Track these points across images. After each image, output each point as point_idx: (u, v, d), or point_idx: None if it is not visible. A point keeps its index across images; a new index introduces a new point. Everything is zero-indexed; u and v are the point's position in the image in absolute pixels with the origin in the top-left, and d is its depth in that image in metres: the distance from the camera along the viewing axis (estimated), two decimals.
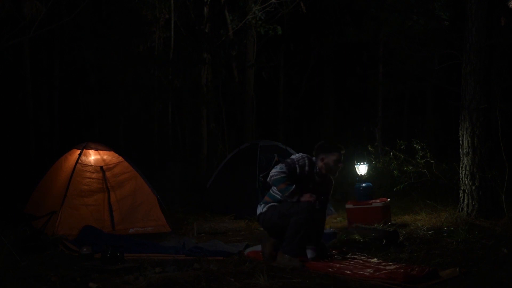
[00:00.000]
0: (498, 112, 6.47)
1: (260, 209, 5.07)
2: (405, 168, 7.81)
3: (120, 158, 7.08)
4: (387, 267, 4.48)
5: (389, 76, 15.17)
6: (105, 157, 7.03)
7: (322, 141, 5.20)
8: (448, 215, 6.70)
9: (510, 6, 6.75)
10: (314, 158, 5.07)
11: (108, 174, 6.86)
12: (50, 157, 11.14)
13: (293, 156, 5.08)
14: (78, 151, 6.95)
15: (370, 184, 7.12)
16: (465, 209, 6.54)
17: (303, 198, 4.83)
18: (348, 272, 4.39)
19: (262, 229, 7.08)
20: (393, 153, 7.99)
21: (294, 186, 4.84)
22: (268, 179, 4.97)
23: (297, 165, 4.93)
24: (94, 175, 6.80)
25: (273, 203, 4.99)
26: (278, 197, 4.96)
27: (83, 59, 12.53)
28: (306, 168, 4.96)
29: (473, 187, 6.48)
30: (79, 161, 6.81)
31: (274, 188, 5.01)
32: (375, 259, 4.86)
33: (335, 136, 16.28)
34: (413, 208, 7.93)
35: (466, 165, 6.58)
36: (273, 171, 4.89)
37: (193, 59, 12.43)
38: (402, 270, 4.26)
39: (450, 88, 9.94)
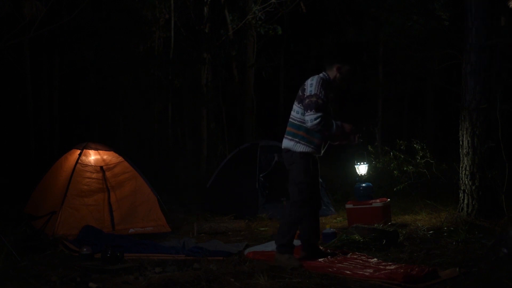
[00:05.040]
0: (498, 112, 6.46)
1: (292, 144, 4.83)
2: (405, 168, 7.81)
3: (120, 158, 7.08)
4: (387, 267, 4.48)
5: (389, 76, 15.17)
6: (105, 157, 7.02)
7: (335, 45, 5.03)
8: (448, 215, 6.70)
9: (510, 6, 6.75)
10: (324, 73, 4.88)
11: (108, 174, 6.86)
12: (50, 157, 11.16)
13: (310, 89, 4.73)
14: (78, 151, 6.95)
15: (370, 184, 7.11)
16: (465, 209, 6.54)
17: (347, 130, 4.83)
18: (348, 272, 4.40)
19: (262, 229, 7.10)
20: (393, 153, 7.99)
21: (334, 125, 4.75)
22: (309, 127, 4.72)
23: (325, 99, 4.71)
24: (94, 175, 6.80)
25: (307, 148, 4.79)
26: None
27: (83, 59, 12.53)
28: (327, 92, 4.78)
29: (473, 187, 6.48)
30: (79, 161, 6.80)
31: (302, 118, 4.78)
32: (375, 259, 4.86)
33: None
34: (413, 208, 7.93)
35: (466, 165, 6.57)
36: (311, 124, 4.64)
37: (193, 59, 12.43)
38: (402, 270, 4.27)
39: (450, 88, 9.95)
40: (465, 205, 6.56)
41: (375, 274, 4.27)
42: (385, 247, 5.29)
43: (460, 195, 6.67)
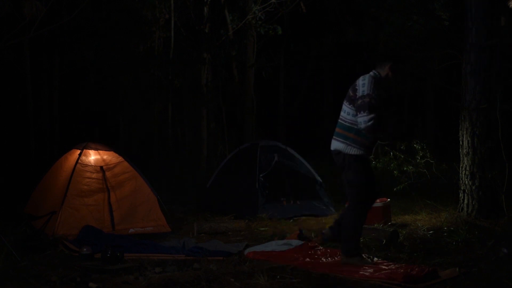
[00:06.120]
0: (498, 112, 6.47)
1: (344, 147, 4.76)
2: (405, 168, 7.81)
3: (120, 158, 7.08)
4: (387, 267, 4.49)
5: None
6: (105, 157, 7.02)
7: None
8: (448, 215, 6.70)
9: (510, 6, 6.75)
10: (375, 71, 4.80)
11: (108, 174, 6.86)
12: (50, 157, 11.16)
13: (363, 89, 4.66)
14: (78, 151, 6.95)
15: None
16: (465, 209, 6.55)
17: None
18: (348, 272, 4.40)
19: (262, 229, 7.10)
20: (393, 153, 7.99)
21: (385, 124, 4.71)
22: (362, 129, 4.62)
23: (377, 98, 4.64)
24: (94, 175, 6.80)
25: (359, 150, 4.73)
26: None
27: (83, 59, 12.53)
28: (379, 91, 4.72)
29: (473, 187, 6.48)
30: (79, 161, 6.80)
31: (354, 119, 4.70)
32: (375, 259, 4.86)
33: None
34: (413, 208, 7.93)
35: (466, 165, 6.58)
36: (365, 126, 4.54)
37: (193, 59, 12.43)
38: (402, 270, 4.27)
39: (450, 88, 9.93)
40: (465, 205, 6.57)
41: (375, 274, 4.27)
42: (385, 247, 5.29)
43: (460, 195, 6.67)
